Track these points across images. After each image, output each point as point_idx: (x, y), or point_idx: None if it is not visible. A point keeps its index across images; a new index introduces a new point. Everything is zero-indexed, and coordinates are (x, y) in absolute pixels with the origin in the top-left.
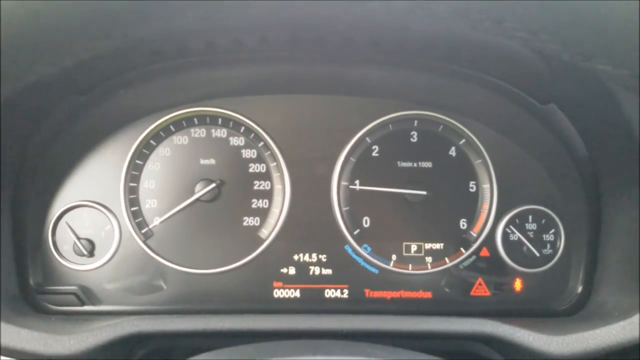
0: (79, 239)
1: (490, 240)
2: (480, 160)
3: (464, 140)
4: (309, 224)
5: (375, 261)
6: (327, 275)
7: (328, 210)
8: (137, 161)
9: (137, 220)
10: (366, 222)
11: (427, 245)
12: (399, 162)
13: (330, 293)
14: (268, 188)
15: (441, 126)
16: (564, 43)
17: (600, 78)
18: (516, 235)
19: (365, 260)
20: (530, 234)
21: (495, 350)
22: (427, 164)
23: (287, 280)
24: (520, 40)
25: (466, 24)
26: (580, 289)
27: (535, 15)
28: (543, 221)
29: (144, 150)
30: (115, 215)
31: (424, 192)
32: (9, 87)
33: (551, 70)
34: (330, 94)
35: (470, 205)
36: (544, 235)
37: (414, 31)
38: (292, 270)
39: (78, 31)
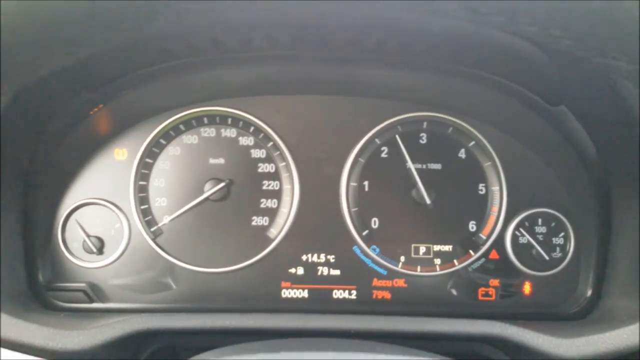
0: (88, 236)
1: (499, 242)
2: (489, 163)
3: (473, 142)
4: (317, 224)
5: (384, 262)
6: (335, 276)
7: (337, 211)
8: (147, 160)
9: (146, 219)
10: (375, 223)
11: (436, 247)
12: (408, 164)
13: (338, 294)
14: (277, 188)
15: (451, 128)
16: (577, 38)
17: (611, 79)
18: (525, 238)
19: (374, 261)
20: (540, 237)
21: (503, 352)
22: (437, 166)
23: (295, 280)
24: (531, 36)
25: (478, 20)
26: (589, 292)
27: (548, 10)
28: (553, 224)
29: (154, 149)
30: (124, 213)
31: (433, 195)
32: (25, 79)
33: (561, 72)
34: (340, 95)
35: (479, 208)
36: (553, 239)
37: (422, 30)
38: (300, 271)
39: (92, 25)
